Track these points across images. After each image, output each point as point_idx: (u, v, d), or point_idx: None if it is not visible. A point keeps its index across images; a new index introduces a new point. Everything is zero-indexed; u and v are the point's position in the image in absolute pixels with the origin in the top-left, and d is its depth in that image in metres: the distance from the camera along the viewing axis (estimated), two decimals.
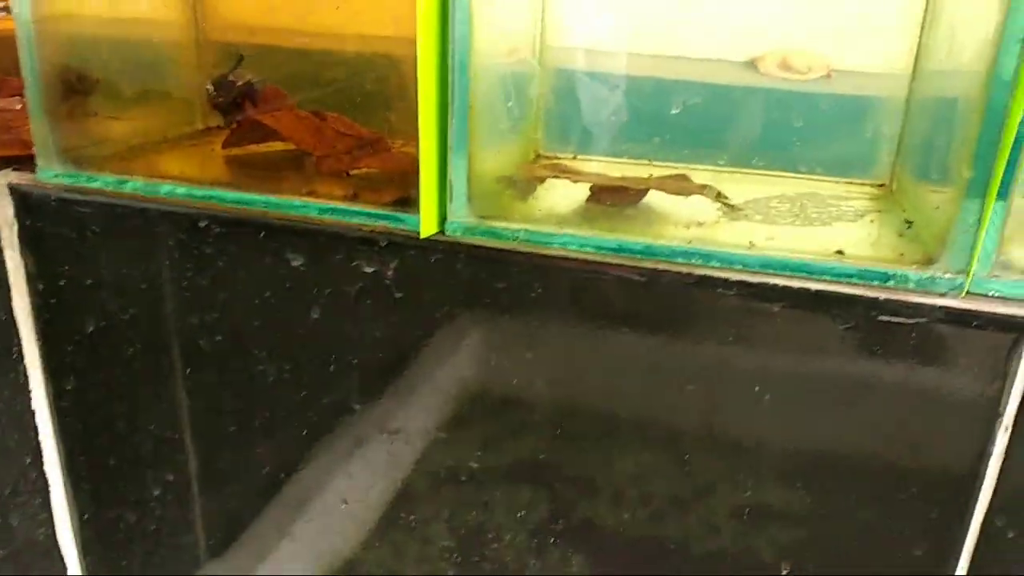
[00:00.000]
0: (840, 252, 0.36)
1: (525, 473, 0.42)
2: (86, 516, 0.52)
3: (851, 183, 0.48)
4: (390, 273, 0.40)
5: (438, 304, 0.40)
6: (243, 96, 0.49)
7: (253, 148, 0.49)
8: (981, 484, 0.36)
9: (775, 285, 0.36)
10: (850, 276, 0.35)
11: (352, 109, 0.47)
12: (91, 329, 0.46)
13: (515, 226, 0.38)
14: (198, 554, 0.50)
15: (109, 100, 0.48)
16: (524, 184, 0.44)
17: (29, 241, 0.45)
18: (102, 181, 0.44)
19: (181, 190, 0.43)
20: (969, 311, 0.34)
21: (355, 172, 0.45)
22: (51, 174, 0.45)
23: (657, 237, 0.37)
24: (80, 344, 0.47)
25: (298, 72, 0.49)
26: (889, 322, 0.35)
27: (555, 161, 0.50)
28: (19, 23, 0.43)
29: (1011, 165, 0.32)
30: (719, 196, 0.42)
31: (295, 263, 0.41)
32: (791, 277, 0.36)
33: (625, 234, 0.38)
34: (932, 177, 0.38)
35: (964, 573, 0.37)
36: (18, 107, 0.49)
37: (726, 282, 0.36)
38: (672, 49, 0.47)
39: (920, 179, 0.43)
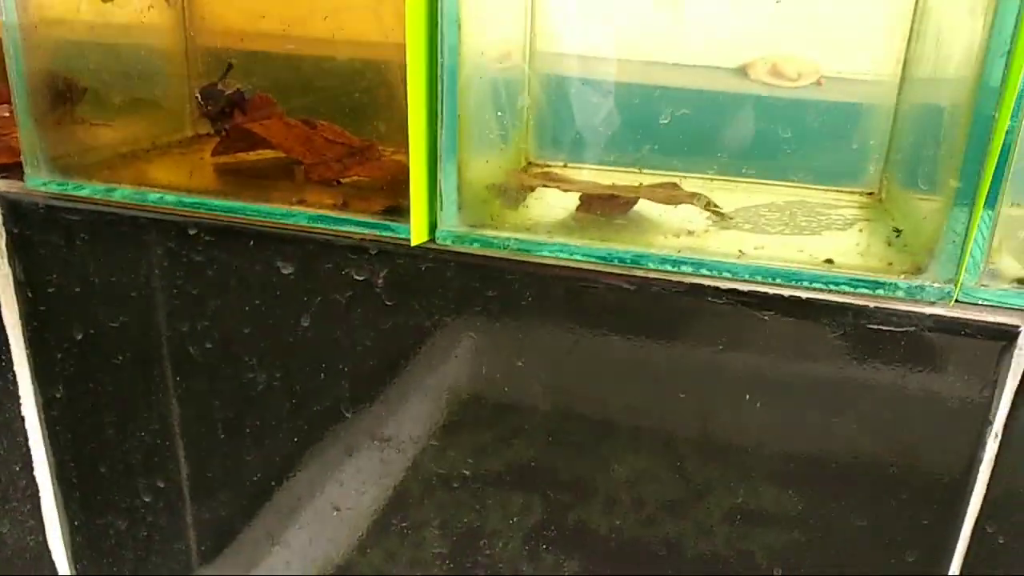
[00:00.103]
0: (830, 261, 0.36)
1: (517, 479, 0.42)
2: (77, 523, 0.52)
3: (840, 191, 0.48)
4: (380, 281, 0.40)
5: (429, 312, 0.40)
6: (232, 104, 0.49)
7: (242, 156, 0.49)
8: (972, 490, 0.36)
9: (765, 293, 0.36)
10: (839, 285, 0.35)
11: (342, 117, 0.47)
12: (80, 337, 0.46)
13: (505, 234, 0.38)
14: (189, 561, 0.50)
15: (98, 107, 0.48)
16: (514, 192, 0.44)
17: (18, 249, 0.45)
18: (91, 189, 0.44)
19: (170, 198, 0.43)
20: (958, 319, 0.34)
21: (345, 180, 0.45)
22: (39, 182, 0.44)
23: (647, 246, 0.37)
24: (69, 351, 0.47)
25: (288, 80, 0.49)
26: (879, 330, 0.35)
27: (545, 169, 0.50)
28: (6, 29, 0.42)
29: (998, 174, 0.32)
30: (709, 204, 0.42)
31: (285, 271, 0.41)
32: (781, 286, 0.36)
33: (615, 243, 0.38)
34: (920, 186, 0.38)
35: None
36: (6, 114, 0.49)
37: (716, 290, 0.36)
38: (662, 55, 0.47)
39: (908, 188, 0.43)
